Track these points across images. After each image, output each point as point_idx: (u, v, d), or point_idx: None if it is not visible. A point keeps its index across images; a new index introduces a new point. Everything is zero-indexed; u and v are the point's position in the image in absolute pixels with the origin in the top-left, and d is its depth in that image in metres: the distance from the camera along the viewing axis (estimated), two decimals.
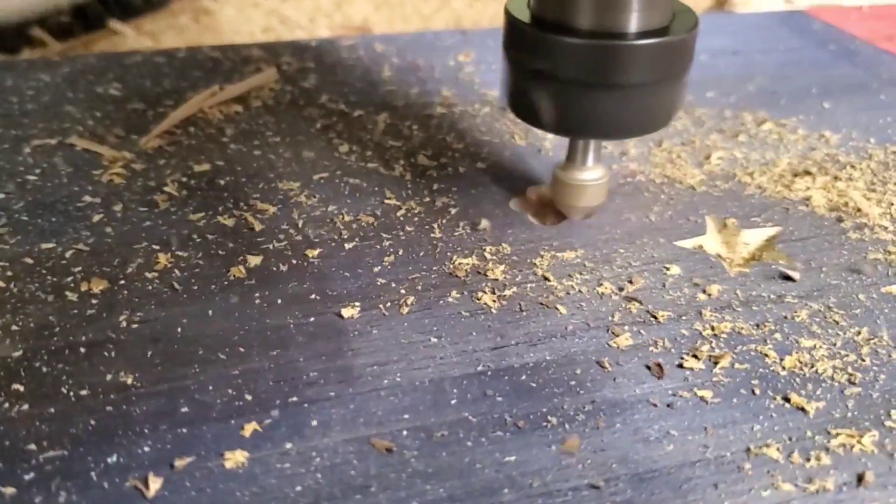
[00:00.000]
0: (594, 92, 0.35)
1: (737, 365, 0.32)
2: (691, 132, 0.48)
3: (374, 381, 0.30)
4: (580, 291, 0.35)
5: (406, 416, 0.29)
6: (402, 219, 0.39)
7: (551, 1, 0.35)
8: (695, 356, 0.32)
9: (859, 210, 0.41)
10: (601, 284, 0.36)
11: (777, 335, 0.33)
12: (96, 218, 0.38)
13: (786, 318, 0.34)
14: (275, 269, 0.36)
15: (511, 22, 0.36)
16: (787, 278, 0.37)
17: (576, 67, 0.34)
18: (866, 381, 0.31)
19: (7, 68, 0.52)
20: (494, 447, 0.28)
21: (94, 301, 0.34)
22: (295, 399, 0.30)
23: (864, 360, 0.32)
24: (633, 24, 0.34)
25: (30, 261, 0.36)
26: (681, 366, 0.32)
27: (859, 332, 0.33)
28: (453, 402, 0.30)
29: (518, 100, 0.37)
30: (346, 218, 0.39)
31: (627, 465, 0.28)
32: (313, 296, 0.34)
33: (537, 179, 0.43)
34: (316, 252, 0.37)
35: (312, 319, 0.33)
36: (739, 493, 0.27)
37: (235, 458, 0.27)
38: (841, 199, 0.42)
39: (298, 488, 0.26)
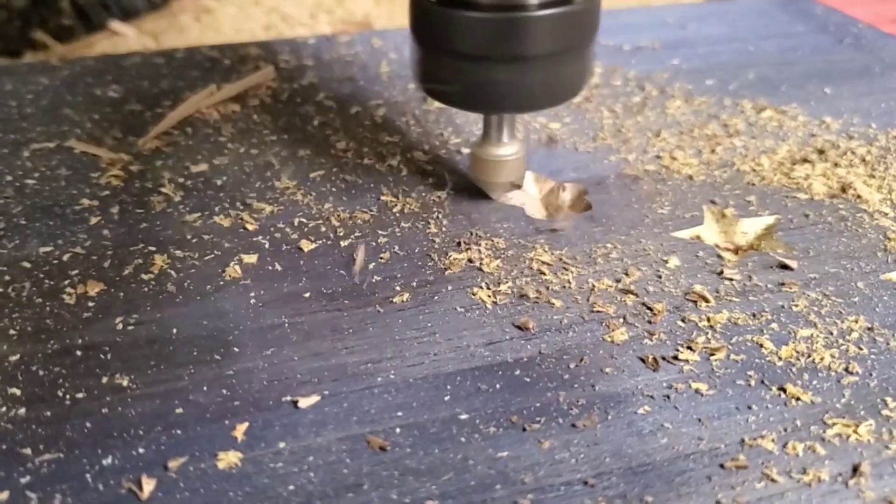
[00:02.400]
0: (499, 65, 0.34)
1: (733, 356, 0.32)
2: (690, 121, 0.48)
3: (368, 379, 0.31)
4: (575, 285, 0.35)
5: (399, 414, 0.29)
6: (397, 215, 0.39)
7: None
8: (690, 348, 0.32)
9: (859, 197, 0.41)
10: (597, 278, 0.35)
11: (774, 325, 0.33)
12: (93, 220, 0.39)
13: (783, 307, 0.34)
14: (270, 268, 0.36)
15: (416, 1, 0.36)
16: (786, 267, 0.36)
17: (478, 42, 0.34)
18: (863, 370, 0.31)
19: (7, 73, 0.53)
20: (487, 443, 0.28)
21: (90, 304, 0.34)
22: (289, 398, 0.30)
23: (861, 349, 0.32)
24: None
25: (27, 264, 0.36)
26: (676, 358, 0.31)
27: (857, 321, 0.33)
28: (447, 398, 0.30)
29: (428, 79, 0.37)
30: (342, 215, 0.39)
31: (621, 459, 0.27)
32: (308, 294, 0.34)
33: (536, 173, 0.43)
34: (311, 250, 0.37)
35: (307, 318, 0.33)
36: (733, 485, 0.27)
37: (228, 459, 0.27)
38: (841, 186, 0.42)
39: (291, 487, 0.26)
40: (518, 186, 0.40)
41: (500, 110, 0.38)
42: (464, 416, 0.29)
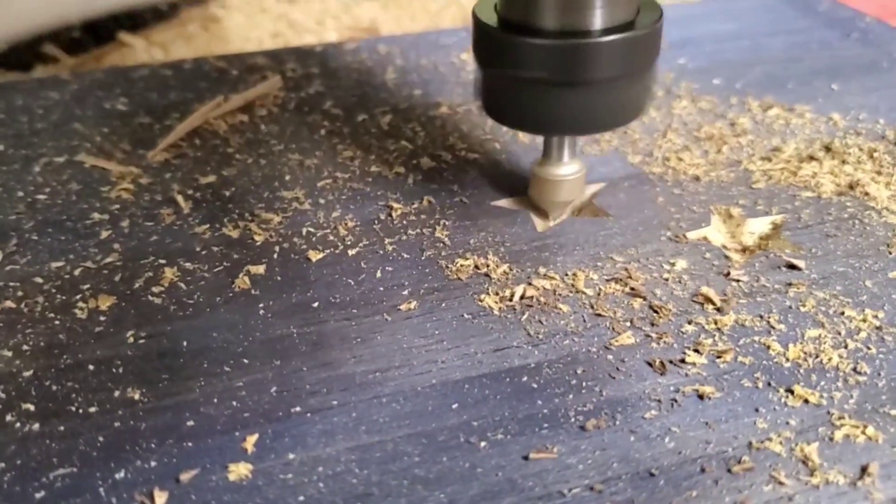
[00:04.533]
0: (563, 90, 0.35)
1: (740, 358, 0.32)
2: (696, 121, 0.48)
3: (376, 388, 0.31)
4: (582, 289, 0.35)
5: (407, 423, 0.29)
6: (405, 222, 0.40)
7: (517, 3, 0.35)
8: (697, 351, 0.32)
9: (867, 194, 0.41)
10: (603, 281, 0.36)
11: (782, 326, 0.33)
12: (104, 234, 0.39)
13: (791, 308, 0.34)
14: (279, 278, 0.36)
15: (479, 25, 0.36)
16: (793, 267, 0.36)
17: (542, 67, 0.35)
18: (872, 370, 0.31)
19: (17, 88, 0.53)
20: (495, 451, 0.28)
21: (101, 318, 0.34)
22: (298, 409, 0.30)
23: (870, 349, 0.32)
24: (598, 21, 0.34)
25: (39, 280, 0.36)
26: (683, 361, 0.32)
27: (865, 320, 0.33)
28: (454, 406, 0.30)
29: (491, 101, 0.38)
30: (350, 224, 0.40)
31: (628, 464, 0.28)
32: (316, 304, 0.35)
33: None
34: (319, 259, 0.37)
35: (315, 328, 0.34)
36: (741, 488, 0.27)
37: (239, 471, 0.28)
38: (849, 184, 0.41)
39: (301, 498, 0.27)
40: (569, 206, 0.40)
41: (562, 133, 0.38)
42: (472, 424, 0.29)
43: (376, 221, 0.40)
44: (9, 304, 0.35)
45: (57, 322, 0.34)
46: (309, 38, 0.76)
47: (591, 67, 0.34)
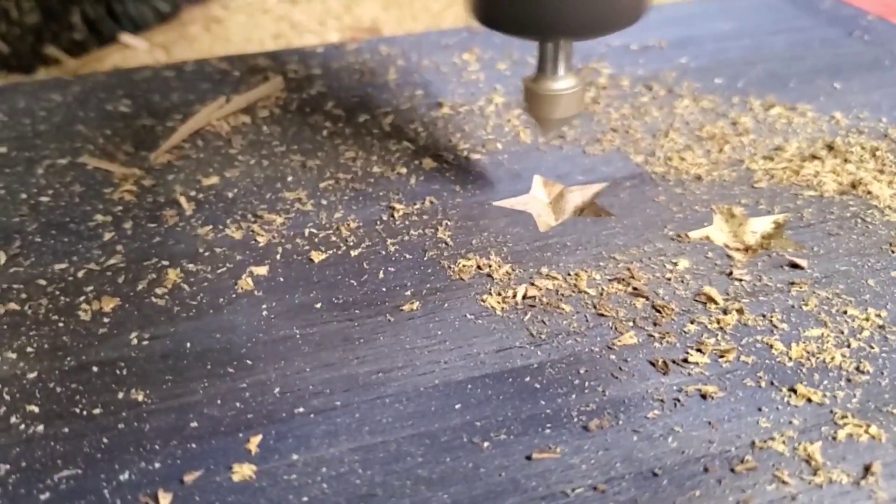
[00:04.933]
0: None
1: (742, 357, 0.32)
2: (698, 120, 0.48)
3: (379, 389, 0.31)
4: (584, 289, 0.35)
5: (410, 423, 0.29)
6: (407, 223, 0.40)
7: None
8: (700, 350, 0.32)
9: (870, 193, 0.41)
10: (606, 281, 0.36)
11: (784, 325, 0.33)
12: (107, 236, 0.39)
13: (793, 307, 0.34)
14: (281, 279, 0.36)
15: None
16: (796, 266, 0.36)
17: None
18: (875, 368, 0.31)
19: (20, 90, 0.53)
20: (498, 451, 0.28)
21: (105, 320, 0.34)
22: (301, 410, 0.30)
23: (872, 348, 0.32)
24: None
25: (43, 282, 0.36)
26: (686, 361, 0.32)
27: (868, 319, 0.33)
28: (457, 406, 0.30)
29: (485, 5, 0.37)
30: (352, 224, 0.40)
31: (631, 464, 0.28)
32: (319, 305, 0.35)
33: (544, 177, 0.43)
34: (322, 260, 0.37)
35: (318, 328, 0.34)
36: (744, 488, 0.27)
37: (243, 472, 0.28)
38: (851, 182, 0.41)
39: (305, 499, 0.27)
40: (568, 123, 0.39)
41: (555, 34, 0.37)
42: (475, 425, 0.29)
43: (378, 222, 0.40)
44: (13, 306, 0.35)
45: (61, 324, 0.34)
46: (310, 39, 0.76)
47: None
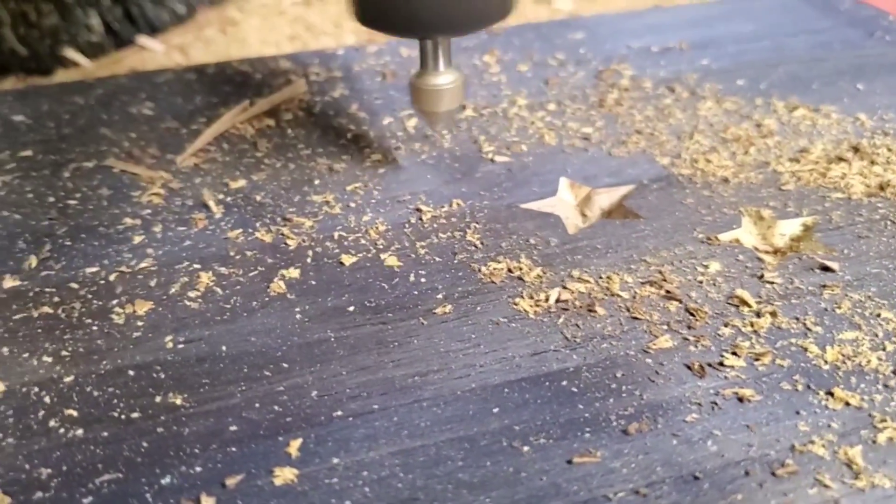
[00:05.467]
0: None
1: (778, 361, 0.32)
2: (722, 122, 0.48)
3: (416, 392, 0.31)
4: (617, 292, 0.35)
5: (449, 427, 0.29)
6: (435, 226, 0.40)
7: None
8: (735, 353, 0.32)
9: None
10: (638, 284, 0.36)
11: (818, 328, 0.33)
12: (137, 240, 0.39)
13: (826, 310, 0.34)
14: (313, 282, 0.36)
15: None
16: (827, 269, 0.36)
17: None
18: None
19: (42, 93, 0.53)
20: (538, 455, 0.28)
21: (139, 323, 0.34)
22: (339, 413, 0.30)
23: None
24: None
25: (75, 285, 0.37)
26: (722, 364, 0.32)
27: None
28: (495, 410, 0.30)
29: (365, 6, 0.39)
30: (381, 227, 0.40)
31: (672, 468, 0.28)
32: (352, 308, 0.35)
33: (570, 179, 0.43)
34: (352, 263, 0.37)
35: (352, 332, 0.34)
36: (785, 491, 0.27)
37: (284, 475, 0.28)
38: (879, 184, 0.41)
39: (347, 503, 0.27)
40: (452, 116, 0.42)
41: (430, 33, 0.39)
42: (514, 429, 0.29)
43: (407, 225, 0.40)
44: (46, 309, 0.35)
45: (95, 327, 0.34)
46: (326, 41, 0.76)
47: None
